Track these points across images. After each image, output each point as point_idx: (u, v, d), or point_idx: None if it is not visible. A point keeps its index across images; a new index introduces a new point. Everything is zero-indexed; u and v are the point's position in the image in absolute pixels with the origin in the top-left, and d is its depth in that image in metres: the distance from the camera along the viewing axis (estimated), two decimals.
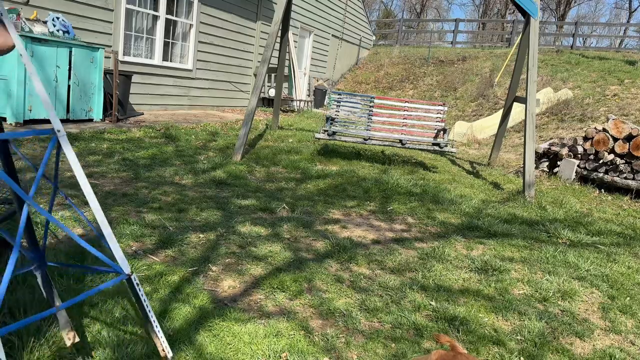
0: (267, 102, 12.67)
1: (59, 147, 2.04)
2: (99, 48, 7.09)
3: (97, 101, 7.22)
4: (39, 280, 2.10)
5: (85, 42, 7.04)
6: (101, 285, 1.91)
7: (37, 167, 4.76)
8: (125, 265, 1.90)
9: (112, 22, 8.20)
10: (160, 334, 2.00)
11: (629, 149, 6.72)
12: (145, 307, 1.96)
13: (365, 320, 2.66)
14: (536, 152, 7.70)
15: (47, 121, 6.58)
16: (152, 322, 1.98)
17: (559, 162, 7.65)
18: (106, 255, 2.58)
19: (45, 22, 6.55)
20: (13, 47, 2.27)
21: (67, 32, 6.80)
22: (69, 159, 2.03)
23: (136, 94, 8.77)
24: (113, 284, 1.94)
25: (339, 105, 7.59)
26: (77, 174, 1.99)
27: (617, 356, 2.57)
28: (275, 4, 8.69)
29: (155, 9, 9.22)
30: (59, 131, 2.05)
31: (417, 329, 2.61)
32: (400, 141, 7.29)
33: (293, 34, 12.93)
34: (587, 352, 2.62)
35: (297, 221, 4.15)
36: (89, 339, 2.13)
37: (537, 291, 3.31)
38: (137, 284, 1.94)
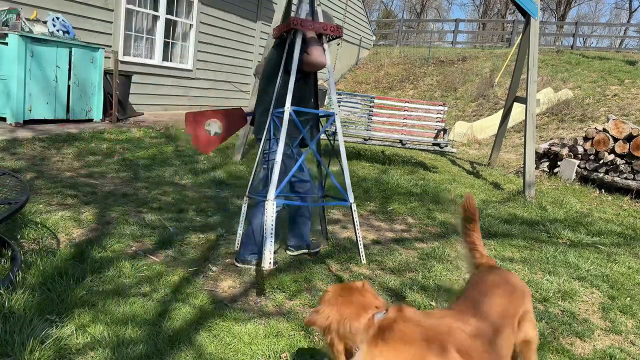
0: None
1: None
2: (98, 48, 7.09)
3: (97, 101, 7.22)
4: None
5: (85, 42, 7.03)
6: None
7: (36, 166, 4.76)
8: (350, 197, 3.13)
9: (112, 22, 8.19)
10: (363, 255, 3.19)
11: (629, 149, 6.72)
12: (357, 231, 3.14)
13: None
14: (536, 152, 7.70)
15: (47, 121, 6.58)
16: (360, 245, 3.14)
17: (559, 162, 7.65)
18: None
19: (45, 22, 6.54)
20: (324, 66, 3.00)
21: (67, 32, 6.79)
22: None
23: (136, 94, 8.76)
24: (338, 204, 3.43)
25: (339, 105, 7.58)
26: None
27: (617, 356, 2.57)
28: (276, 4, 8.69)
29: (155, 9, 9.21)
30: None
31: None
32: (401, 141, 7.29)
33: None
34: (587, 352, 2.61)
35: None
36: (89, 339, 2.13)
37: (537, 291, 3.30)
38: (354, 211, 3.12)
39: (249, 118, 3.49)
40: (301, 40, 2.96)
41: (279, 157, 2.85)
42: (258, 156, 3.22)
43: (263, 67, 3.40)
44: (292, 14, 3.18)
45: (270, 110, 3.08)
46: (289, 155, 3.09)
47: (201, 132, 3.27)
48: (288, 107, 2.91)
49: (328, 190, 3.57)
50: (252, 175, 3.25)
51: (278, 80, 3.09)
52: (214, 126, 3.31)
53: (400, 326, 1.51)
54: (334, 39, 3.08)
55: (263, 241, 2.78)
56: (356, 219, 3.14)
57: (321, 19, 3.06)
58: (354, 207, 3.13)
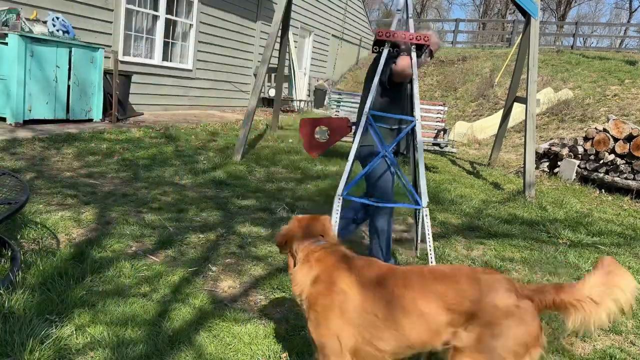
0: (267, 102, 12.66)
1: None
2: (98, 48, 7.09)
3: (97, 101, 7.22)
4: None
5: (85, 42, 7.03)
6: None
7: (36, 166, 4.75)
8: (424, 200, 3.03)
9: (112, 22, 8.19)
10: (433, 261, 3.04)
11: (629, 149, 6.72)
12: (428, 236, 3.05)
13: None
14: (536, 152, 7.70)
15: (47, 121, 6.58)
16: (430, 251, 3.02)
17: (559, 163, 7.64)
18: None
19: (45, 22, 6.54)
20: (409, 76, 3.03)
21: (67, 32, 6.79)
22: None
23: (136, 94, 8.76)
24: (410, 207, 3.30)
25: (339, 105, 7.58)
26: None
27: (617, 356, 2.57)
28: (275, 4, 8.69)
29: (155, 8, 9.21)
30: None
31: None
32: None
33: (293, 34, 12.92)
34: (587, 353, 2.61)
35: None
36: (88, 339, 2.13)
37: None
38: (426, 216, 3.04)
39: (353, 127, 3.61)
40: (395, 51, 3.05)
41: (350, 156, 3.06)
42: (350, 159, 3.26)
43: (364, 82, 3.46)
44: (384, 26, 3.25)
45: (361, 120, 3.13)
46: (383, 162, 3.20)
47: (312, 137, 3.49)
48: (366, 112, 3.02)
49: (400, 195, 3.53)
50: (344, 175, 3.24)
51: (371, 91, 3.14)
52: (323, 133, 3.51)
53: (322, 252, 1.86)
54: (425, 49, 3.09)
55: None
56: (428, 224, 3.04)
57: (412, 29, 3.09)
58: (426, 212, 3.05)
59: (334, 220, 2.98)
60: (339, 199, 3.03)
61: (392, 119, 3.19)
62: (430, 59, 3.35)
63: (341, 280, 1.74)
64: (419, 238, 3.54)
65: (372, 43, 3.35)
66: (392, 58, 3.08)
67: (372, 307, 1.69)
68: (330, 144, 3.56)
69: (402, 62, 3.01)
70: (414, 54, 3.00)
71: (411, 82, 3.19)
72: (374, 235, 3.29)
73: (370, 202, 3.23)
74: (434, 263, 3.06)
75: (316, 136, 3.52)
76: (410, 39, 2.97)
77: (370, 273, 1.76)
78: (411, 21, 3.13)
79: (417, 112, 3.10)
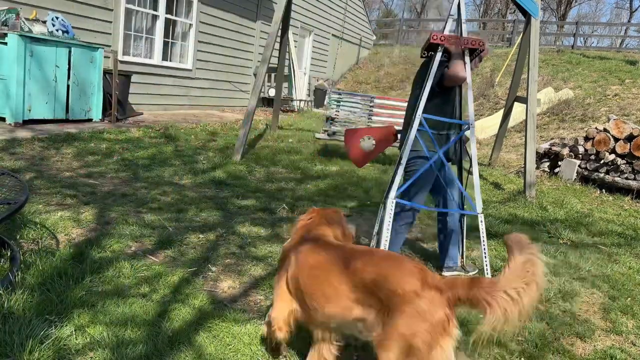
0: (267, 102, 12.66)
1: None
2: (98, 48, 7.08)
3: (97, 101, 7.21)
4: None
5: (84, 41, 7.03)
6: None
7: (35, 166, 4.74)
8: (479, 207, 3.08)
9: (111, 22, 8.18)
10: (488, 267, 3.05)
11: (630, 149, 6.71)
12: (483, 242, 3.04)
13: None
14: (537, 152, 7.69)
15: (46, 121, 6.57)
16: (485, 256, 3.03)
17: (559, 162, 7.64)
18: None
19: (44, 22, 6.53)
20: (464, 81, 3.06)
21: (67, 31, 6.78)
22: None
23: (136, 94, 8.75)
24: (466, 213, 3.39)
25: (339, 105, 7.58)
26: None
27: (618, 357, 2.56)
28: (275, 3, 8.68)
29: (155, 8, 9.20)
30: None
31: None
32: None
33: (293, 33, 12.92)
34: (587, 353, 2.60)
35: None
36: (88, 340, 2.12)
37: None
38: (482, 222, 3.05)
39: (399, 135, 3.65)
40: (445, 56, 3.07)
41: (403, 160, 3.09)
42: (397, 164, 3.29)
43: (412, 87, 3.46)
44: (437, 30, 3.25)
45: (411, 124, 3.15)
46: (432, 165, 3.21)
47: (356, 147, 3.54)
48: (419, 115, 3.03)
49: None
50: (393, 180, 3.24)
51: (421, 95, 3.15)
52: (368, 142, 3.55)
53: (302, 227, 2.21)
54: (478, 53, 3.10)
55: (381, 237, 3.04)
56: (483, 230, 3.07)
57: (465, 33, 3.11)
58: (481, 218, 3.09)
59: (387, 223, 2.98)
60: (393, 202, 3.03)
61: (440, 124, 3.19)
62: (479, 63, 3.37)
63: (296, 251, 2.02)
64: (464, 245, 3.59)
65: (422, 47, 3.33)
66: (442, 63, 3.08)
67: (304, 280, 1.89)
68: (376, 153, 3.60)
69: (456, 66, 3.01)
70: (467, 58, 3.01)
71: (460, 87, 3.20)
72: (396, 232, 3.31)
73: (419, 205, 3.26)
74: (488, 268, 3.07)
75: (361, 146, 3.55)
76: (465, 44, 2.98)
77: (320, 252, 1.95)
78: (464, 25, 3.13)
79: (472, 117, 3.12)
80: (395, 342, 1.58)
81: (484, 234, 3.05)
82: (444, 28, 3.21)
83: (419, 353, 1.53)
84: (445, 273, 3.40)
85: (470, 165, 3.23)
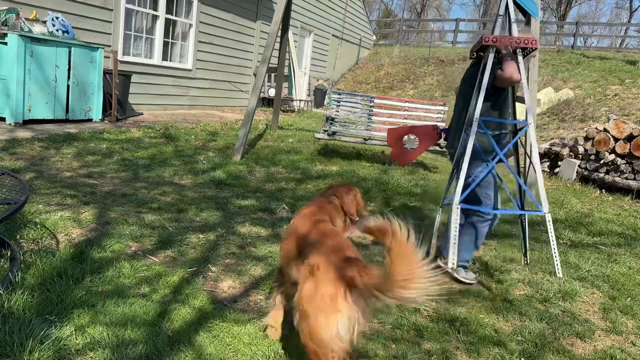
0: (267, 102, 12.66)
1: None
2: (98, 48, 7.08)
3: (97, 101, 7.21)
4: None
5: (84, 41, 7.03)
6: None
7: (35, 166, 4.74)
8: (545, 206, 3.10)
9: (111, 22, 8.19)
10: (559, 267, 3.08)
11: (629, 149, 6.71)
12: (552, 242, 3.07)
13: None
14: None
15: (46, 121, 6.58)
16: (555, 256, 3.05)
17: (559, 162, 7.64)
18: None
19: (44, 22, 6.54)
20: (517, 82, 3.03)
21: (67, 31, 6.79)
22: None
23: (135, 94, 8.75)
24: (532, 213, 3.43)
25: (339, 105, 7.58)
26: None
27: (617, 357, 2.56)
28: (275, 3, 8.67)
29: (155, 8, 9.21)
30: None
31: (418, 329, 2.60)
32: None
33: (293, 33, 12.92)
34: (587, 353, 2.61)
35: None
36: (88, 340, 2.12)
37: (537, 292, 3.30)
38: (549, 222, 3.06)
39: (443, 134, 3.65)
40: (496, 57, 3.04)
41: (464, 165, 3.06)
42: (452, 170, 3.30)
43: (458, 87, 3.44)
44: (488, 31, 3.23)
45: (465, 127, 3.13)
46: (485, 168, 3.20)
47: (399, 146, 3.62)
48: (477, 118, 3.01)
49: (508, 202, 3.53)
50: (446, 187, 3.26)
51: (473, 98, 3.12)
52: (411, 141, 3.63)
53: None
54: (530, 52, 3.07)
55: (448, 244, 2.97)
56: (551, 230, 3.08)
57: (516, 33, 3.08)
58: (549, 217, 3.09)
59: (454, 230, 2.94)
60: (457, 208, 3.01)
61: (493, 124, 3.16)
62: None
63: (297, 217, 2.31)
64: (527, 245, 3.56)
65: (472, 49, 3.32)
66: (494, 64, 3.05)
67: (288, 242, 2.20)
68: (419, 152, 3.64)
69: (510, 67, 2.98)
70: (520, 58, 2.98)
71: (513, 88, 3.17)
72: (469, 235, 3.29)
73: (495, 210, 3.28)
74: (559, 268, 3.07)
75: (404, 145, 3.59)
76: (518, 43, 2.95)
77: (311, 220, 2.21)
78: (514, 25, 3.09)
79: (530, 116, 3.10)
80: (297, 303, 1.87)
81: (553, 234, 3.07)
82: (494, 28, 3.17)
83: (308, 317, 1.78)
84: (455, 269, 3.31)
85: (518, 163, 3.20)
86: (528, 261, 3.57)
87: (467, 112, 3.25)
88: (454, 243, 2.96)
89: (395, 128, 3.62)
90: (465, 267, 3.34)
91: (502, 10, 3.15)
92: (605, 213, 5.83)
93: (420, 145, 3.61)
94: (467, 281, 3.26)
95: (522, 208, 3.41)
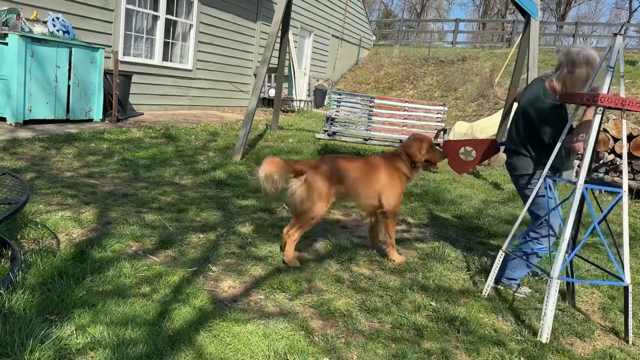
0: (267, 102, 12.67)
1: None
2: (98, 48, 7.09)
3: (97, 101, 7.22)
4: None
5: (85, 42, 7.03)
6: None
7: (36, 166, 4.75)
8: (627, 276, 2.74)
9: (112, 22, 8.19)
10: (631, 335, 2.77)
11: (629, 149, 6.72)
12: (628, 314, 2.74)
13: (366, 320, 2.66)
14: None
15: (47, 121, 6.58)
16: (629, 326, 2.75)
17: None
18: None
19: (45, 22, 6.54)
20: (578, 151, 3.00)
21: (67, 32, 6.79)
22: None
23: (136, 94, 8.76)
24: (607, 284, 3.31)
25: (339, 105, 7.58)
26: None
27: (617, 356, 2.57)
28: (275, 4, 8.68)
29: (155, 9, 9.21)
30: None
31: (418, 329, 2.61)
32: (400, 141, 7.27)
33: (293, 34, 12.93)
34: (587, 353, 2.61)
35: None
36: (89, 339, 2.13)
37: (537, 291, 3.30)
38: (630, 294, 2.73)
39: (501, 148, 3.66)
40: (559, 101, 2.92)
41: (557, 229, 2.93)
42: (522, 212, 3.12)
43: (524, 102, 3.20)
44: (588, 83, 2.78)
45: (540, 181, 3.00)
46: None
47: (456, 157, 3.66)
48: (545, 173, 2.92)
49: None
50: (515, 225, 3.11)
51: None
52: (468, 153, 3.65)
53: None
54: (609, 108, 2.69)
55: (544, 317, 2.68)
56: (630, 304, 2.75)
57: (611, 91, 2.70)
58: (630, 289, 2.74)
59: (551, 305, 2.63)
60: (557, 282, 2.68)
61: (557, 162, 3.03)
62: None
63: None
64: (574, 291, 3.25)
65: (563, 93, 2.98)
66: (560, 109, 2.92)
67: None
68: (477, 164, 3.67)
69: (579, 138, 2.90)
70: (597, 119, 2.64)
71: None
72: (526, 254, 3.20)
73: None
74: (631, 338, 2.77)
75: (461, 156, 3.63)
76: (623, 104, 2.57)
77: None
78: (622, 81, 2.70)
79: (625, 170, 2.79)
80: None
81: (631, 307, 2.76)
82: (593, 81, 2.79)
83: None
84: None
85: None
86: (575, 304, 3.28)
87: (533, 143, 3.11)
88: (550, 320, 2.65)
89: (453, 140, 3.69)
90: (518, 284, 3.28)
91: (613, 62, 2.63)
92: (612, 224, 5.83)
93: (477, 157, 3.65)
94: (521, 295, 3.22)
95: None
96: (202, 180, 5.10)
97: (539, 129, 3.04)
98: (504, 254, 3.14)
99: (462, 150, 3.63)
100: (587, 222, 4.74)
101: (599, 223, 2.79)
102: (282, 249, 3.35)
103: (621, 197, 2.74)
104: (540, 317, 2.89)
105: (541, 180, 2.95)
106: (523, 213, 3.05)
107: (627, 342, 2.76)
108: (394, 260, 3.48)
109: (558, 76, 3.04)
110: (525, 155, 3.16)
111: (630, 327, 2.78)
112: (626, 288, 2.76)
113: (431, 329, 2.62)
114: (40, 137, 5.71)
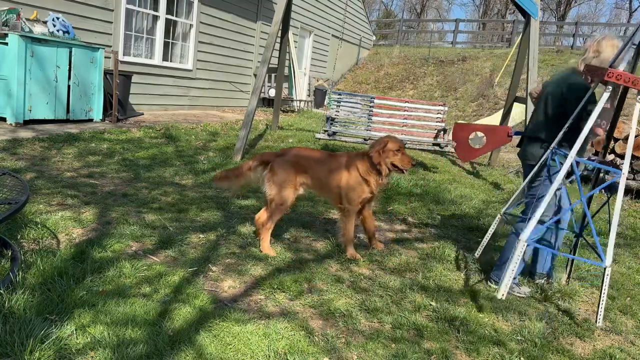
0: (267, 102, 12.67)
1: None
2: (99, 48, 7.09)
3: (97, 101, 7.22)
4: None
5: (85, 42, 7.04)
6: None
7: (36, 166, 4.75)
8: (608, 259, 2.79)
9: (112, 22, 8.19)
10: (601, 318, 2.85)
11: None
12: (602, 295, 2.81)
13: (366, 320, 2.66)
14: None
15: (47, 121, 6.58)
16: (601, 308, 2.81)
17: None
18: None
19: (45, 22, 6.54)
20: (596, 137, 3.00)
21: (67, 32, 6.79)
22: None
23: (136, 94, 8.76)
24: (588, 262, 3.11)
25: (339, 105, 7.58)
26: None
27: (617, 356, 2.57)
28: (275, 4, 8.68)
29: (155, 9, 9.21)
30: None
31: (418, 329, 2.61)
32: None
33: (293, 34, 12.93)
34: (587, 353, 2.61)
35: (297, 221, 4.15)
36: (89, 339, 2.13)
37: (537, 291, 3.30)
38: (607, 276, 2.79)
39: (514, 137, 3.53)
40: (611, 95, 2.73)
41: (542, 204, 2.78)
42: (523, 183, 3.18)
43: (547, 91, 3.21)
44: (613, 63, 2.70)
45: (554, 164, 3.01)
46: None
47: (464, 142, 3.48)
48: (572, 156, 2.75)
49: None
50: (512, 197, 3.17)
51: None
52: (478, 139, 3.48)
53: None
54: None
55: (504, 270, 2.79)
56: (606, 283, 2.78)
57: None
58: (607, 272, 2.78)
59: (514, 264, 2.70)
60: (525, 245, 2.72)
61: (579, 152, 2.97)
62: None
63: None
64: (571, 268, 3.41)
65: (583, 67, 3.01)
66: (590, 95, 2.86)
67: None
68: (485, 152, 3.49)
69: (601, 123, 2.89)
70: (605, 95, 2.51)
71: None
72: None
73: (546, 248, 3.15)
74: (600, 321, 2.85)
75: (470, 142, 3.48)
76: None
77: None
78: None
79: (626, 166, 2.82)
80: None
81: (606, 287, 2.81)
82: (617, 57, 2.72)
83: None
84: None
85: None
86: (569, 282, 3.46)
87: (551, 128, 3.12)
88: (511, 275, 2.73)
89: (464, 123, 3.51)
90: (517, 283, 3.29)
91: (637, 39, 2.52)
92: (604, 213, 5.82)
93: (487, 145, 3.47)
94: (521, 295, 3.23)
95: (581, 233, 3.30)
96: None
97: (567, 106, 3.06)
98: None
99: (472, 135, 3.52)
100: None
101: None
102: (257, 235, 3.52)
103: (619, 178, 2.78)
104: (540, 317, 2.89)
105: (567, 163, 2.76)
106: (540, 194, 2.99)
107: (597, 322, 2.85)
108: (348, 255, 3.45)
109: (584, 60, 3.16)
110: (544, 141, 3.19)
111: (601, 309, 2.84)
112: (605, 269, 2.80)
113: (431, 329, 2.62)
114: (41, 137, 5.71)
